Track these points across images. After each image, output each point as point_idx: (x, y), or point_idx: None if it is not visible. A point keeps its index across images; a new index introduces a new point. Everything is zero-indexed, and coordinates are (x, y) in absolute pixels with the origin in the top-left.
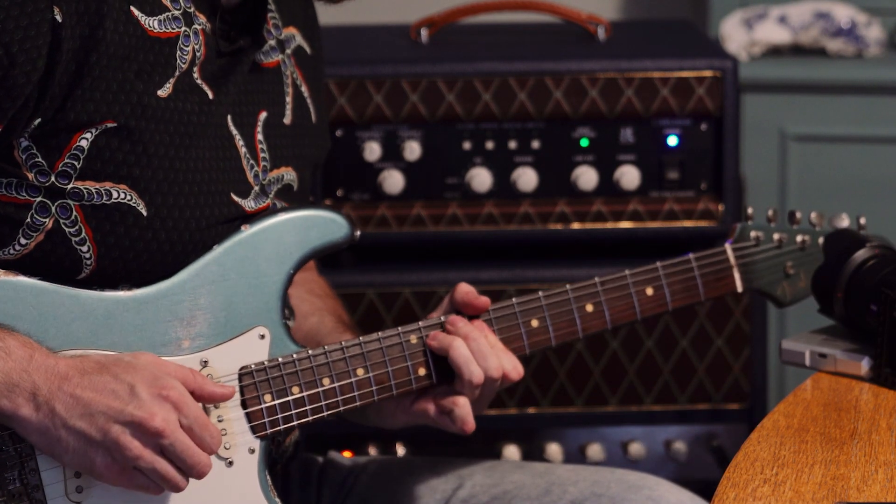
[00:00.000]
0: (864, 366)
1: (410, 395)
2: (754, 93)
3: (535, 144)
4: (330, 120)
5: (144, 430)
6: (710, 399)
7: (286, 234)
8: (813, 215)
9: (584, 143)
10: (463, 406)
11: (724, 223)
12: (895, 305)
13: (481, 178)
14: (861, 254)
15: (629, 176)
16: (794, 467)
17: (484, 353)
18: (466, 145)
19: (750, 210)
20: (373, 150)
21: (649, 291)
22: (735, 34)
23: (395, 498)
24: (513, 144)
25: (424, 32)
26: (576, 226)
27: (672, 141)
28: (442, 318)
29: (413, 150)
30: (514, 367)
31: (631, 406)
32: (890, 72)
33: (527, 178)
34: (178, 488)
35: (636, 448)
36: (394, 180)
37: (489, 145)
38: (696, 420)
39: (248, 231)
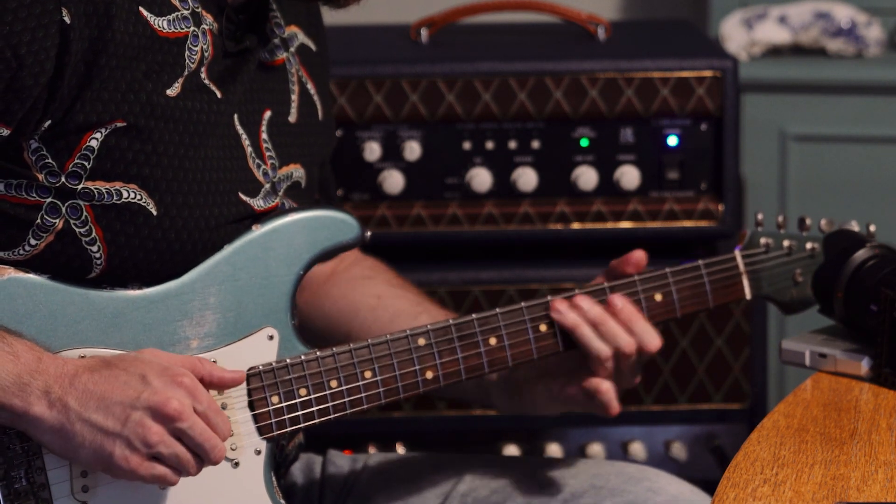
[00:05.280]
0: (864, 366)
1: (557, 383)
2: (754, 93)
3: (535, 144)
4: None
5: (162, 415)
6: (710, 399)
7: (297, 234)
8: (823, 222)
9: (584, 143)
10: (606, 392)
11: (724, 223)
12: (895, 305)
13: (481, 178)
14: (861, 254)
15: (629, 176)
16: (794, 467)
17: (613, 332)
18: (466, 145)
19: (759, 216)
20: (373, 150)
21: (658, 297)
22: (735, 34)
23: (396, 494)
24: (513, 144)
25: (424, 32)
26: (576, 226)
27: (672, 141)
28: (549, 298)
29: (413, 150)
30: (651, 341)
31: (631, 406)
32: (890, 72)
33: (527, 178)
34: (192, 474)
35: (636, 448)
36: (394, 180)
37: (489, 145)
38: (697, 420)
39: (259, 231)
